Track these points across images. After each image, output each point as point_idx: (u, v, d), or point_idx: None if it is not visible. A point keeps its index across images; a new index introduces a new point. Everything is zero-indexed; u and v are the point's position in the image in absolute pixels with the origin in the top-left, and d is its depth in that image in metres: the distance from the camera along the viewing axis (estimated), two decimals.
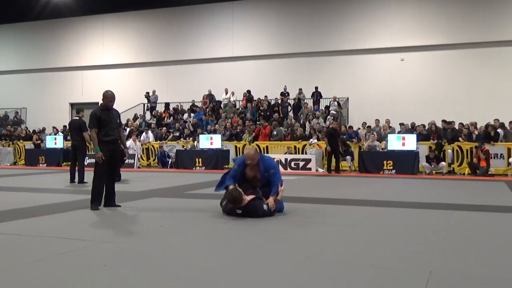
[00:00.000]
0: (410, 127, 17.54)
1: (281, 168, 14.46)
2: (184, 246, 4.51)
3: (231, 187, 6.11)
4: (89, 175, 11.68)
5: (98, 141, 6.81)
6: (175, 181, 11.70)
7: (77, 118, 11.57)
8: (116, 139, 7.08)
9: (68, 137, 20.12)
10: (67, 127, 12.20)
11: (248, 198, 5.93)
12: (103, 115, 6.90)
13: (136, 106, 24.75)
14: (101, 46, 27.38)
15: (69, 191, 9.53)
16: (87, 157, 13.23)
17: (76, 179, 11.20)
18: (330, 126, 16.14)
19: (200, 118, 21.28)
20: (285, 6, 24.07)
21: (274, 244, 4.63)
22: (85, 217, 6.17)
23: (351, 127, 18.04)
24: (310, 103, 21.46)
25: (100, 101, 7.24)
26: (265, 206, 5.98)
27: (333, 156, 15.19)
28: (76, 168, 11.35)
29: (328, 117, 19.53)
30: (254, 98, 22.05)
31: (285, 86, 21.93)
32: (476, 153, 14.44)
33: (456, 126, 16.76)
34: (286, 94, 21.79)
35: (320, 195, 9.00)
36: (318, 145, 16.99)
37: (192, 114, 22.03)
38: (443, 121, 16.88)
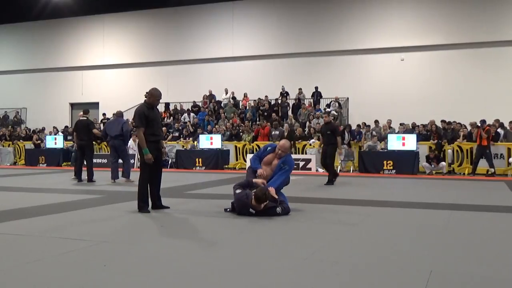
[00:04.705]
0: (410, 127, 17.55)
1: None
2: (184, 246, 4.51)
3: (260, 180, 6.31)
4: (96, 175, 11.86)
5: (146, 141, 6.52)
6: (175, 181, 11.70)
7: (85, 118, 11.80)
8: (161, 139, 6.91)
9: (69, 137, 20.21)
10: (72, 127, 12.27)
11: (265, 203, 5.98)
12: (150, 113, 6.61)
13: (136, 106, 24.73)
14: (101, 46, 27.37)
15: (71, 191, 9.52)
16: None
17: (83, 179, 11.49)
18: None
19: (203, 119, 21.28)
20: (285, 6, 24.07)
21: (274, 243, 4.63)
22: (85, 217, 6.17)
23: (359, 125, 18.01)
24: (310, 103, 21.45)
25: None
26: (278, 209, 6.02)
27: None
28: (84, 168, 11.60)
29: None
30: (254, 98, 22.08)
31: (283, 86, 21.88)
32: (477, 132, 14.31)
33: (462, 126, 16.72)
34: (285, 94, 21.78)
35: (320, 195, 9.01)
36: (319, 145, 16.96)
37: (192, 114, 22.03)
38: (443, 121, 16.88)
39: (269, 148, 6.83)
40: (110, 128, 11.62)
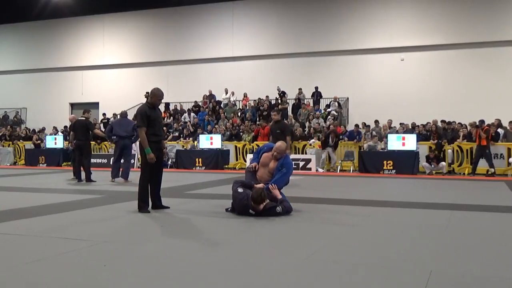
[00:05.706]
0: (410, 127, 17.55)
1: None
2: (184, 246, 4.51)
3: (261, 185, 6.32)
4: (96, 175, 11.87)
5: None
6: (175, 181, 11.70)
7: (83, 118, 11.76)
8: (163, 139, 6.93)
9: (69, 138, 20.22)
10: (71, 127, 12.27)
11: (265, 203, 5.98)
12: (152, 113, 6.61)
13: (136, 106, 24.72)
14: (101, 46, 27.37)
15: (70, 191, 9.52)
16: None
17: (83, 178, 11.49)
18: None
19: (203, 119, 21.28)
20: (285, 6, 24.07)
21: (274, 244, 4.63)
22: (85, 217, 6.17)
23: (357, 125, 17.97)
24: (310, 103, 21.44)
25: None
26: (278, 209, 6.02)
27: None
28: (82, 167, 11.61)
29: (328, 117, 19.53)
30: (254, 98, 22.06)
31: (278, 86, 21.75)
32: (476, 132, 14.32)
33: (462, 126, 16.72)
34: (281, 94, 21.74)
35: (320, 195, 9.01)
36: (318, 145, 16.98)
37: (192, 114, 22.04)
38: (443, 121, 16.89)
39: (265, 147, 6.96)
40: (119, 129, 11.61)
